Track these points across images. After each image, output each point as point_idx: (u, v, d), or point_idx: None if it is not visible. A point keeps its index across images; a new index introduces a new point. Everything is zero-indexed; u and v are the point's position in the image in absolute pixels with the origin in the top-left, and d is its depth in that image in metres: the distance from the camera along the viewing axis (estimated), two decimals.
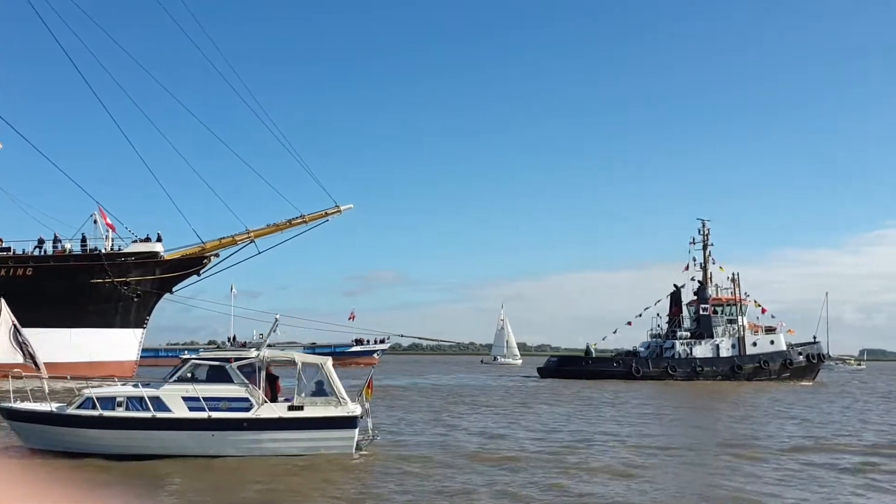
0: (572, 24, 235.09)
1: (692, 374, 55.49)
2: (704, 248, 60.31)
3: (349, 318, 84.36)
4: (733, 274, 59.88)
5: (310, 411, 15.82)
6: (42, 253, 45.60)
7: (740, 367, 56.07)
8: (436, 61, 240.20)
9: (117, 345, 46.14)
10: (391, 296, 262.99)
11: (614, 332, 61.72)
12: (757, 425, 24.97)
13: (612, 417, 27.21)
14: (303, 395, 16.08)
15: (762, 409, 32.03)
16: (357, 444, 16.25)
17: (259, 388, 15.73)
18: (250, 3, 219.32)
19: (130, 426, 15.13)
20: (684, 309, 59.96)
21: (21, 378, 15.89)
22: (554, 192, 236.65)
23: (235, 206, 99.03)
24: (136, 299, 46.72)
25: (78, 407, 15.32)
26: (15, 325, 16.07)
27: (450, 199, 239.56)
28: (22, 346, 15.73)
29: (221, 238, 46.49)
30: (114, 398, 15.34)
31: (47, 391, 15.85)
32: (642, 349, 60.01)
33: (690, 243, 60.45)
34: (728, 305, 58.62)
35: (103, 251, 45.85)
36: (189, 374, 15.84)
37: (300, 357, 16.42)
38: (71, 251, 45.78)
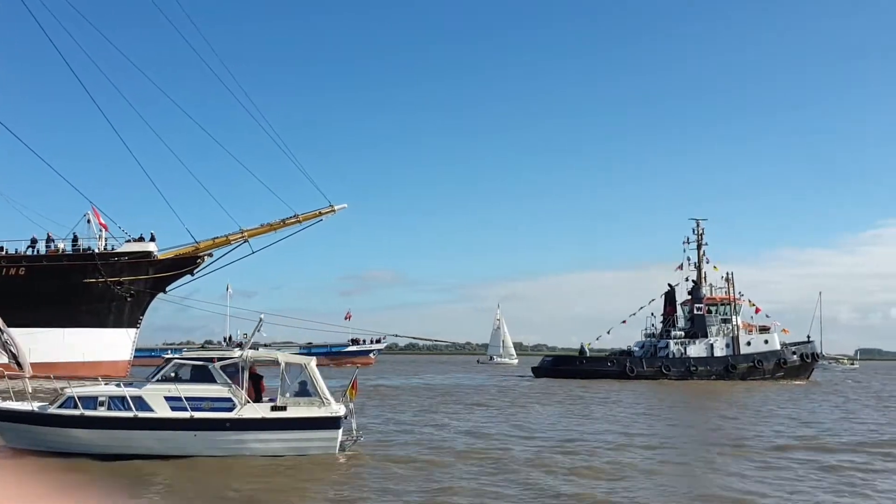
0: (571, 24, 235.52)
1: (686, 374, 55.54)
2: (699, 247, 60.43)
3: (345, 318, 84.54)
4: (727, 273, 60.05)
5: (293, 412, 15.77)
6: (35, 253, 45.54)
7: (734, 367, 56.11)
8: (435, 61, 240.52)
9: (111, 345, 46.07)
10: (389, 296, 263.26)
11: (608, 332, 61.85)
12: (746, 424, 24.98)
13: (602, 417, 27.22)
14: (286, 395, 16.05)
15: (753, 408, 32.05)
16: (341, 445, 16.23)
17: (242, 388, 15.70)
18: (250, 3, 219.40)
19: (112, 426, 15.08)
20: (678, 308, 60.00)
21: (3, 377, 15.87)
22: (553, 193, 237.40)
23: (231, 206, 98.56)
24: (129, 299, 46.65)
25: (59, 406, 15.28)
26: None
27: (448, 200, 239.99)
28: (4, 345, 15.71)
29: (215, 238, 46.42)
30: (95, 397, 15.30)
31: (30, 390, 15.81)
32: (636, 349, 60.09)
33: (684, 243, 60.64)
34: (722, 305, 58.73)
35: (96, 251, 45.80)
36: (172, 374, 15.81)
37: (283, 357, 16.38)
38: (64, 251, 45.71)
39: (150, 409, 15.23)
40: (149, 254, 46.35)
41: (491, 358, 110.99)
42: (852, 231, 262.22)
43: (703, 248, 60.34)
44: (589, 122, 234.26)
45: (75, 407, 15.15)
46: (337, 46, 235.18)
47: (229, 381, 15.64)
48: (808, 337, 64.86)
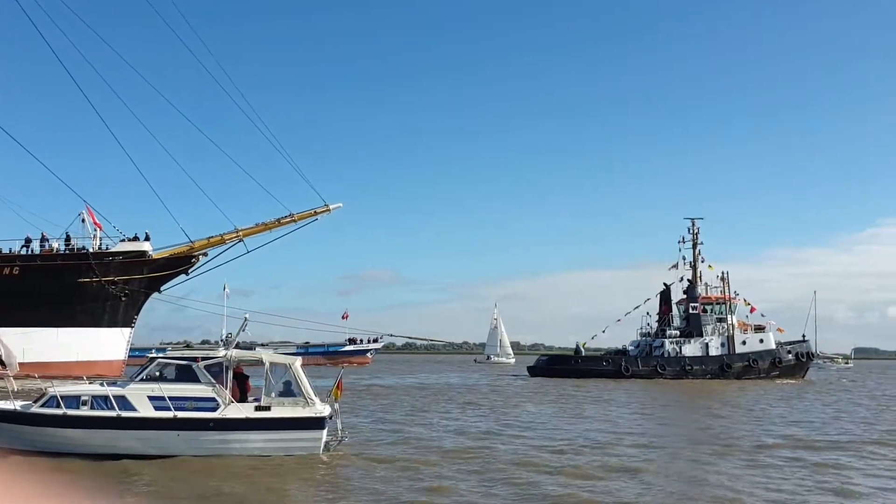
0: (572, 24, 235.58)
1: (681, 373, 55.53)
2: (694, 246, 60.37)
3: (342, 318, 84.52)
4: (723, 273, 60.03)
5: (277, 412, 15.76)
6: (29, 252, 45.49)
7: (729, 366, 56.12)
8: (435, 61, 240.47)
9: (105, 344, 46.00)
10: (387, 295, 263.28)
11: (603, 331, 61.84)
12: (736, 423, 24.99)
13: (593, 416, 27.22)
14: (271, 395, 16.03)
15: (745, 407, 32.07)
16: (326, 445, 16.21)
17: (226, 388, 15.70)
18: (250, 3, 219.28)
19: (94, 425, 15.06)
20: (674, 307, 60.01)
21: None
22: (553, 192, 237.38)
23: (227, 206, 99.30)
24: (123, 298, 46.58)
25: (42, 405, 15.28)
26: None
27: (446, 200, 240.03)
28: None
29: (210, 237, 46.39)
30: (78, 397, 15.29)
31: (15, 389, 15.80)
32: (632, 348, 60.08)
33: (680, 242, 60.60)
34: (717, 304, 58.65)
35: (91, 250, 45.74)
36: (156, 374, 15.81)
37: (268, 357, 16.36)
38: (58, 250, 45.66)
39: (134, 409, 15.22)
40: (143, 253, 46.29)
41: (488, 357, 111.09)
42: (850, 230, 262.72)
43: (699, 247, 60.34)
44: (590, 122, 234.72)
45: (58, 406, 15.14)
46: (338, 46, 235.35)
47: (213, 381, 15.63)
48: (804, 336, 64.95)
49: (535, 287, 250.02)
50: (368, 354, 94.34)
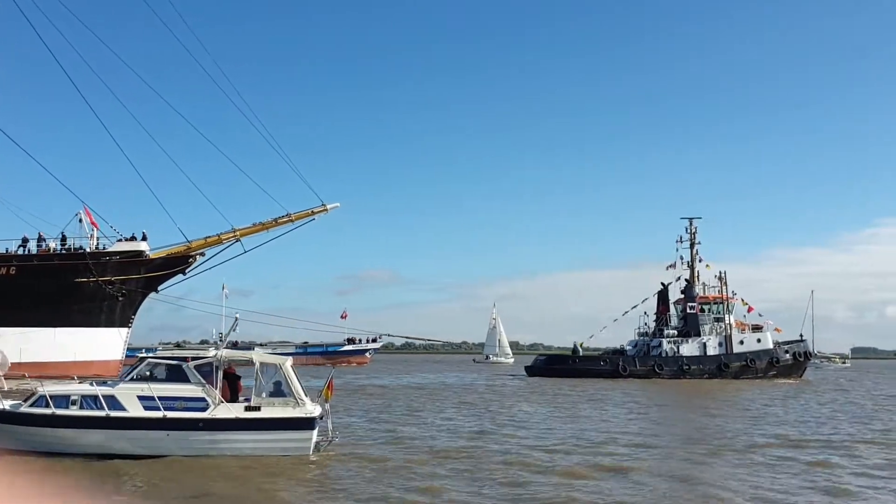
0: (573, 23, 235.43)
1: (679, 373, 55.52)
2: (692, 246, 60.38)
3: (341, 318, 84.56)
4: (720, 272, 60.00)
5: (267, 412, 15.71)
6: (26, 252, 45.52)
7: (727, 366, 56.11)
8: (436, 61, 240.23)
9: (102, 344, 46.02)
10: (385, 295, 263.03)
11: (601, 331, 61.92)
12: (731, 422, 24.96)
13: (588, 416, 27.20)
14: (261, 395, 16.00)
15: (741, 406, 32.04)
16: (316, 446, 16.18)
17: (216, 388, 15.67)
18: (248, 3, 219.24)
19: (83, 425, 15.03)
20: (671, 307, 60.01)
21: None
22: (554, 192, 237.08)
23: (225, 206, 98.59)
24: (121, 298, 46.62)
25: (31, 405, 15.26)
26: None
27: (445, 199, 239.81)
28: None
29: (207, 237, 46.45)
30: (68, 396, 15.26)
31: (4, 388, 15.78)
32: (629, 347, 60.05)
33: (677, 242, 60.60)
34: (715, 304, 58.62)
35: (88, 250, 45.76)
36: (146, 373, 15.78)
37: (258, 357, 16.34)
38: (55, 250, 45.69)
39: (123, 409, 15.19)
40: (140, 253, 46.32)
41: (487, 357, 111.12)
42: (849, 230, 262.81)
43: (697, 246, 60.35)
44: (591, 121, 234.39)
45: (47, 406, 15.11)
46: (338, 46, 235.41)
47: (203, 381, 15.60)
48: (801, 336, 64.97)
49: (534, 287, 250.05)
50: (367, 354, 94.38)
